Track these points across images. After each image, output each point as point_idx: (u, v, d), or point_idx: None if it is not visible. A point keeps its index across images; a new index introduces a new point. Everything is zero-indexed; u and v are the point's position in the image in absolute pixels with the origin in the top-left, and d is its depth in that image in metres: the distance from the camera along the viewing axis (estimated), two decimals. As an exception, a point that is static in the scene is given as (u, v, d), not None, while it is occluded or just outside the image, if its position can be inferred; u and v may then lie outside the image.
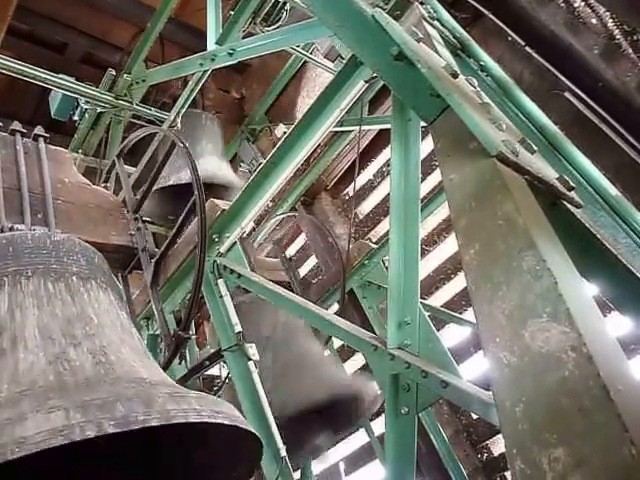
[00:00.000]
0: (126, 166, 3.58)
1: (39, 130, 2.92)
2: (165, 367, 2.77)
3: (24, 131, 2.86)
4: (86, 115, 5.34)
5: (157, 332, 3.24)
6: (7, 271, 1.88)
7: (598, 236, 1.55)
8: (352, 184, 6.27)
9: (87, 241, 2.66)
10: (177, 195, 4.95)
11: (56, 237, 2.11)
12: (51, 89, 5.10)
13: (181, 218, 2.86)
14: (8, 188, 2.55)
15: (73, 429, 1.19)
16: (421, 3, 2.44)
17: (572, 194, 1.54)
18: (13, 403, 1.32)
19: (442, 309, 4.86)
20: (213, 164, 5.68)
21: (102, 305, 1.91)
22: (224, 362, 2.95)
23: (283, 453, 2.48)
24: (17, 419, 1.21)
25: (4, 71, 4.62)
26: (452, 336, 5.21)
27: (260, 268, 4.29)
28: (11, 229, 2.34)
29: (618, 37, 3.92)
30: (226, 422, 1.43)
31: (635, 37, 3.86)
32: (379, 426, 4.54)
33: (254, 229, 5.32)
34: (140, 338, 2.00)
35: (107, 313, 1.89)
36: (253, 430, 1.54)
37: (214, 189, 5.22)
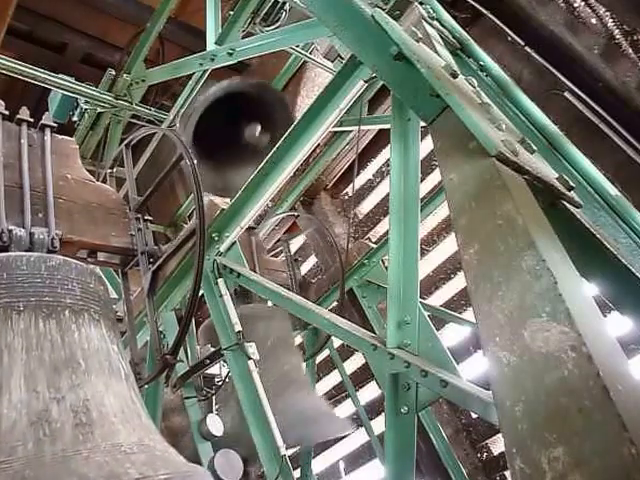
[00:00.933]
0: (121, 168, 3.57)
1: (47, 119, 2.85)
2: (148, 383, 2.82)
3: (31, 120, 2.78)
4: (85, 115, 5.34)
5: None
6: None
7: (598, 236, 1.55)
8: (352, 184, 6.27)
9: (87, 243, 2.66)
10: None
11: (51, 262, 2.09)
12: (51, 89, 5.10)
13: (183, 236, 2.90)
14: (9, 186, 2.51)
15: None
16: (420, 3, 2.44)
17: (572, 194, 1.54)
18: None
19: (442, 309, 4.87)
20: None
21: (92, 343, 1.92)
22: (224, 361, 2.95)
23: (283, 452, 2.48)
24: None
25: (4, 71, 4.62)
26: (452, 336, 5.22)
27: (261, 267, 4.30)
28: (10, 232, 2.32)
29: (618, 37, 3.92)
30: None
31: (635, 37, 3.86)
32: (379, 425, 4.54)
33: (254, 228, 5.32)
34: (128, 371, 2.01)
35: (96, 353, 1.90)
36: None
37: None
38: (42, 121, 2.84)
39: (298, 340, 5.39)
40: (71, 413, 1.63)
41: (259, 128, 4.99)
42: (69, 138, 3.04)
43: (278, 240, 6.18)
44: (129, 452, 1.59)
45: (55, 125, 2.89)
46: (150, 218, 3.10)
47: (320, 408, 3.92)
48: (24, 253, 2.19)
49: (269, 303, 4.62)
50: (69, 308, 1.97)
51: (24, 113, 2.79)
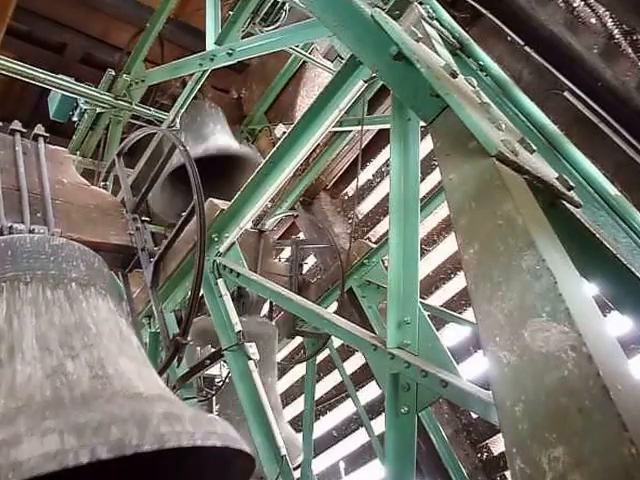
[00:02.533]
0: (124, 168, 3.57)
1: (39, 129, 2.90)
2: (162, 371, 2.78)
3: (24, 131, 2.84)
4: (85, 115, 5.34)
5: (159, 330, 3.23)
6: (5, 276, 1.87)
7: (598, 235, 1.55)
8: (351, 184, 6.28)
9: (86, 241, 2.66)
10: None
11: (55, 241, 2.10)
12: (50, 90, 5.10)
13: (181, 220, 2.86)
14: (7, 188, 2.54)
15: (67, 454, 1.19)
16: (420, 3, 2.44)
17: (571, 193, 1.54)
18: (9, 421, 1.32)
19: (442, 309, 4.86)
20: (225, 139, 5.72)
21: (101, 313, 1.90)
22: (224, 361, 2.95)
23: (283, 452, 2.48)
24: (12, 441, 1.21)
25: (3, 72, 4.62)
26: (452, 336, 5.22)
27: (263, 270, 4.30)
28: (10, 229, 2.34)
29: (617, 37, 3.92)
30: (218, 444, 1.45)
31: (634, 37, 3.86)
32: (379, 425, 4.54)
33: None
34: (139, 344, 1.99)
35: (106, 321, 1.88)
36: (246, 450, 1.55)
37: (231, 162, 5.28)
38: (35, 131, 2.89)
39: (296, 342, 5.41)
40: (87, 368, 1.60)
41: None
42: (62, 148, 3.10)
43: (278, 240, 6.19)
44: (151, 400, 1.54)
45: (47, 135, 2.92)
46: (148, 219, 3.11)
47: (288, 435, 3.95)
48: (27, 234, 2.23)
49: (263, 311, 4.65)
50: (75, 281, 1.96)
51: (16, 125, 2.84)
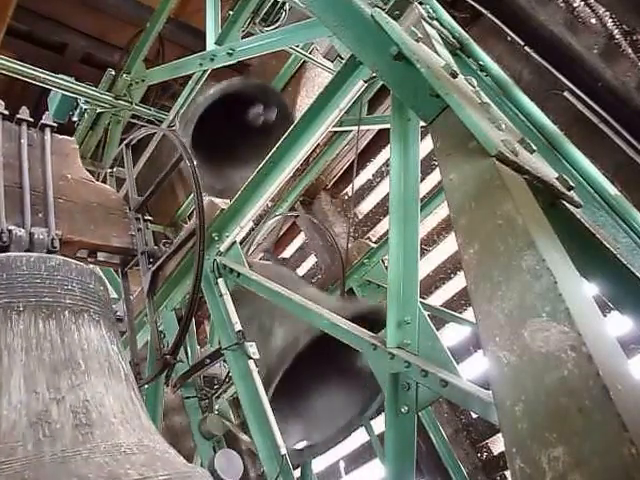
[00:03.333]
0: (121, 168, 3.56)
1: (46, 119, 2.85)
2: (148, 383, 2.82)
3: (31, 120, 2.78)
4: (85, 115, 5.34)
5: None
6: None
7: (597, 235, 1.55)
8: (351, 184, 6.27)
9: (87, 243, 2.66)
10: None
11: (51, 262, 2.09)
12: (50, 90, 5.10)
13: (183, 236, 2.89)
14: (9, 186, 2.51)
15: None
16: (420, 3, 2.44)
17: (571, 193, 1.54)
18: None
19: (442, 308, 4.87)
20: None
21: (92, 344, 1.92)
22: (224, 361, 2.95)
23: (283, 451, 2.48)
24: None
25: (3, 71, 4.62)
26: (452, 335, 5.22)
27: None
28: (10, 232, 2.32)
29: (617, 37, 3.92)
30: None
31: (634, 37, 3.86)
32: (379, 425, 4.54)
33: (253, 229, 5.33)
34: (128, 371, 2.01)
35: (96, 354, 1.90)
36: None
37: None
38: (42, 121, 2.83)
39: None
40: (71, 414, 1.63)
41: (262, 107, 5.00)
42: (69, 138, 3.04)
43: (279, 240, 6.20)
44: (129, 453, 1.59)
45: (55, 125, 2.88)
46: (150, 218, 3.10)
47: None
48: (24, 253, 2.19)
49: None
50: (69, 308, 1.97)
51: (24, 113, 2.78)
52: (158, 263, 2.94)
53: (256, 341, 2.71)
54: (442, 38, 2.40)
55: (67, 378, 1.74)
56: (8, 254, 2.12)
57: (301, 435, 3.21)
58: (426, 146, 2.24)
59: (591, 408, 0.79)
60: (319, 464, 5.94)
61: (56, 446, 1.53)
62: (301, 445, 3.17)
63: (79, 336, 1.91)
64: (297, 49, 5.49)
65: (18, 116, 2.75)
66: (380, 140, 5.71)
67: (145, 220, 3.03)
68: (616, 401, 0.78)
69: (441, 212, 5.07)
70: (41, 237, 2.40)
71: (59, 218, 2.58)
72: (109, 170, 3.80)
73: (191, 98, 5.28)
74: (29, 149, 2.69)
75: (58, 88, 4.95)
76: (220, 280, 2.92)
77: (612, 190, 2.05)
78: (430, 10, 2.53)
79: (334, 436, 3.31)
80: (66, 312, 1.95)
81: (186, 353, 3.47)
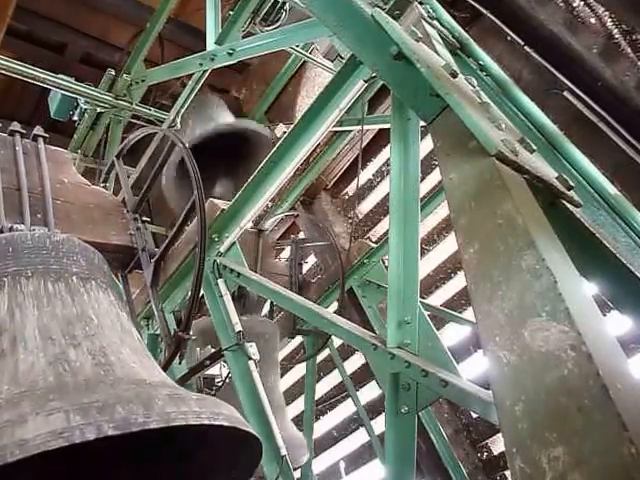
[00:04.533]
0: (125, 166, 3.57)
1: (38, 130, 2.90)
2: (165, 367, 2.76)
3: (23, 132, 2.83)
4: (85, 115, 5.34)
5: (157, 332, 3.24)
6: (7, 271, 1.88)
7: (597, 235, 1.55)
8: (352, 184, 6.28)
9: (87, 241, 2.66)
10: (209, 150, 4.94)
11: (56, 237, 2.11)
12: (50, 89, 5.10)
13: (181, 218, 2.86)
14: (7, 188, 2.54)
15: (73, 431, 1.20)
16: (420, 3, 2.44)
17: (571, 193, 1.54)
18: (13, 404, 1.33)
19: (442, 308, 4.87)
20: (231, 118, 5.74)
21: (102, 305, 1.91)
22: (224, 361, 2.95)
23: (283, 452, 2.48)
24: (17, 421, 1.22)
25: (3, 71, 4.62)
26: (452, 335, 5.22)
27: (263, 270, 4.30)
28: (11, 229, 2.34)
29: (617, 36, 3.92)
30: (225, 424, 1.44)
31: (634, 36, 3.86)
32: (379, 425, 4.55)
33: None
34: (140, 339, 2.00)
35: (107, 314, 1.89)
36: (253, 431, 1.54)
37: (245, 142, 5.27)
38: (34, 132, 2.88)
39: (296, 342, 5.40)
40: (89, 356, 1.60)
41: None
42: (62, 149, 3.09)
43: (278, 240, 6.19)
44: (155, 385, 1.54)
45: (47, 136, 2.92)
46: (148, 219, 3.11)
47: (293, 434, 3.95)
48: (27, 231, 2.23)
49: (264, 311, 4.65)
50: (76, 275, 1.97)
51: (15, 126, 2.83)
52: (160, 251, 2.92)
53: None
54: (442, 38, 2.39)
55: (81, 329, 1.71)
56: (12, 233, 2.15)
57: None
58: (426, 146, 2.24)
59: (591, 408, 0.79)
60: (319, 464, 5.95)
61: (78, 377, 1.50)
62: None
63: (89, 298, 1.90)
64: (297, 49, 5.49)
65: (10, 129, 2.80)
66: (380, 140, 5.72)
67: (143, 221, 3.03)
68: (616, 400, 0.78)
69: (441, 212, 5.08)
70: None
71: (57, 218, 2.60)
72: (102, 184, 3.84)
73: (191, 98, 5.29)
74: (24, 157, 2.73)
75: (58, 88, 4.94)
76: (220, 281, 2.92)
77: (612, 189, 2.05)
78: (430, 10, 2.52)
79: None
80: (74, 277, 1.95)
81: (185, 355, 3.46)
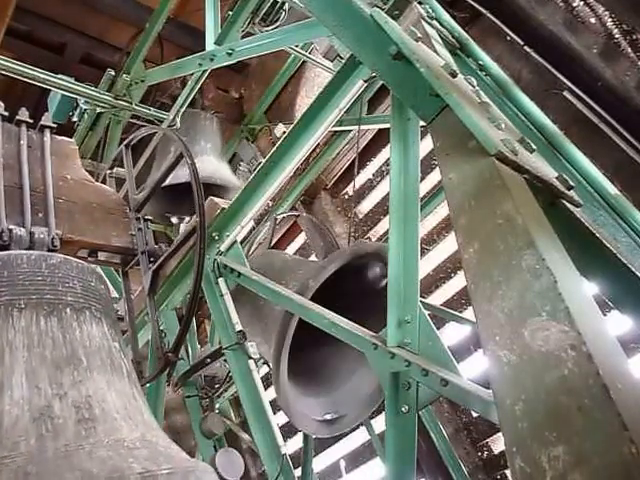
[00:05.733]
0: (120, 169, 3.56)
1: (46, 119, 2.85)
2: (150, 381, 2.81)
3: (30, 121, 2.78)
4: (85, 115, 5.34)
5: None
6: (0, 301, 1.88)
7: (597, 235, 1.55)
8: (352, 183, 6.28)
9: (87, 242, 2.66)
10: (175, 193, 4.98)
11: (52, 260, 2.10)
12: (50, 90, 5.10)
13: (183, 234, 2.89)
14: (9, 186, 2.51)
15: None
16: (420, 3, 2.45)
17: (571, 193, 1.55)
18: None
19: (442, 308, 4.87)
20: (211, 164, 5.72)
21: (94, 341, 1.93)
22: (225, 360, 2.95)
23: (284, 451, 2.49)
24: None
25: (3, 72, 4.62)
26: (452, 335, 5.21)
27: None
28: (10, 231, 2.33)
29: (617, 36, 3.92)
30: None
31: (634, 36, 3.86)
32: (380, 424, 4.54)
33: (254, 228, 5.34)
34: (130, 369, 2.01)
35: (98, 351, 1.91)
36: None
37: (211, 189, 5.24)
38: (41, 122, 2.83)
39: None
40: (73, 409, 1.64)
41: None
42: (68, 139, 3.03)
43: (279, 239, 6.20)
44: (132, 447, 1.59)
45: (54, 126, 2.88)
46: (150, 218, 3.11)
47: None
48: (24, 251, 2.19)
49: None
50: (70, 306, 1.98)
51: (23, 114, 2.78)
52: (159, 262, 2.94)
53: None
54: (442, 38, 2.40)
55: (69, 374, 1.74)
56: (9, 252, 2.13)
57: (329, 407, 3.21)
58: (426, 145, 2.25)
59: (591, 407, 0.80)
60: (319, 463, 5.95)
61: (59, 441, 1.54)
62: (330, 416, 3.16)
63: (81, 333, 1.91)
64: (297, 49, 5.49)
65: (17, 117, 2.75)
66: (380, 140, 5.71)
67: (145, 220, 3.03)
68: (616, 400, 0.78)
69: (441, 211, 5.08)
70: (41, 236, 2.41)
71: (59, 218, 2.59)
72: (109, 171, 3.81)
73: (191, 98, 5.29)
74: (28, 150, 2.69)
75: (58, 88, 4.94)
76: (220, 280, 2.92)
77: (612, 189, 2.05)
78: (430, 10, 2.53)
79: (363, 407, 3.29)
80: (67, 309, 1.96)
81: (187, 352, 3.47)
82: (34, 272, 2.00)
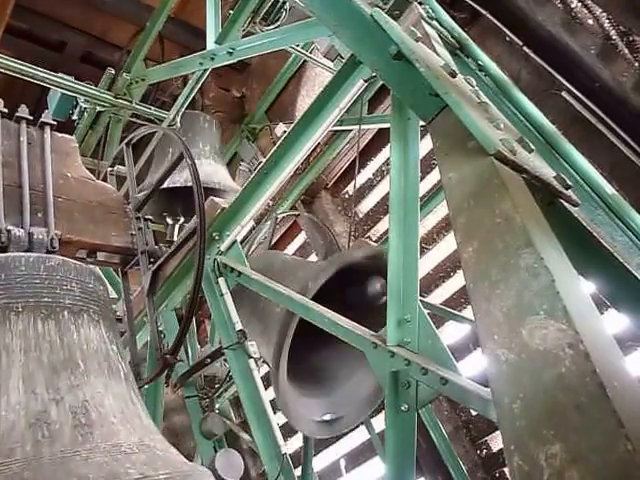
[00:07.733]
0: (121, 167, 3.56)
1: (46, 117, 2.82)
2: (148, 383, 2.81)
3: (30, 118, 2.76)
4: (85, 114, 5.34)
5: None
6: None
7: (595, 234, 1.56)
8: (352, 183, 6.28)
9: (87, 242, 2.64)
10: (170, 195, 4.99)
11: (50, 262, 2.08)
12: (50, 88, 5.10)
13: (183, 236, 2.88)
14: (8, 185, 2.48)
15: None
16: (420, 3, 2.45)
17: (569, 192, 1.55)
18: None
19: (441, 307, 4.87)
20: (209, 167, 5.71)
21: (91, 344, 1.92)
22: (225, 360, 2.95)
23: (284, 451, 2.49)
24: None
25: (3, 70, 4.62)
26: (451, 333, 5.22)
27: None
28: (9, 232, 2.31)
29: (614, 37, 3.93)
30: None
31: (631, 37, 3.87)
32: (379, 423, 4.55)
33: (254, 227, 5.34)
34: (127, 371, 2.01)
35: (95, 354, 1.90)
36: None
37: (209, 193, 5.24)
38: (42, 119, 2.81)
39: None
40: (70, 414, 1.64)
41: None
42: (69, 136, 3.01)
43: (279, 239, 6.20)
44: (129, 452, 1.59)
45: (55, 123, 2.86)
46: (150, 217, 3.10)
47: None
48: (23, 254, 2.17)
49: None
50: (68, 309, 1.97)
51: (23, 111, 2.76)
52: (158, 263, 2.93)
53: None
54: (441, 38, 2.40)
55: (66, 378, 1.74)
56: (7, 254, 2.11)
57: (328, 407, 3.22)
58: (426, 145, 2.25)
59: (588, 405, 0.80)
60: (319, 462, 5.96)
61: (55, 447, 1.53)
62: (329, 417, 3.17)
63: (78, 336, 1.91)
64: (297, 48, 5.49)
65: (17, 114, 2.73)
66: (380, 139, 5.72)
67: (146, 219, 3.02)
68: (613, 398, 0.79)
69: (441, 211, 5.08)
70: (40, 237, 2.38)
71: (58, 218, 2.56)
72: (109, 169, 3.80)
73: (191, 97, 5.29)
74: (28, 147, 2.66)
75: (58, 87, 4.94)
76: (221, 279, 2.92)
77: (609, 189, 2.06)
78: (429, 10, 2.53)
79: (361, 408, 3.29)
80: (65, 312, 1.95)
81: (187, 352, 3.47)
82: (32, 275, 1.99)
